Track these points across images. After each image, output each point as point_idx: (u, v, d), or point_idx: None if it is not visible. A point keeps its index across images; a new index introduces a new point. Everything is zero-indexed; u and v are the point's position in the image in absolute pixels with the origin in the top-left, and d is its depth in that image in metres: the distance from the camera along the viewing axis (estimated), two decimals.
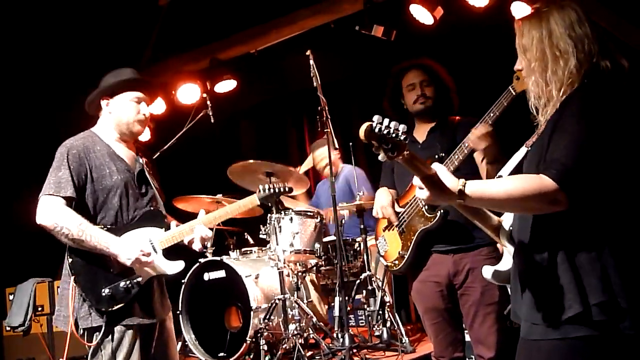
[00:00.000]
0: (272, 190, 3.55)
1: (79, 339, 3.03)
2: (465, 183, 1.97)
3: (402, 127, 1.85)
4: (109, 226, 3.12)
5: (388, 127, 1.84)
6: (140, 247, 3.08)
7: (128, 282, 3.06)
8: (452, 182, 1.98)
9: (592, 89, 1.99)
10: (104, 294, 3.01)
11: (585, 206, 1.94)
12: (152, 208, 3.31)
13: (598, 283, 1.89)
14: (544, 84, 2.09)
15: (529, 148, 2.20)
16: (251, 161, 5.23)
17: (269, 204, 4.19)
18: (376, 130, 1.83)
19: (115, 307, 3.02)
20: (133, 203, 3.23)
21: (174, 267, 3.25)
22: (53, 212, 3.00)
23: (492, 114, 3.11)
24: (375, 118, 1.84)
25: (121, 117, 3.28)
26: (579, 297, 1.89)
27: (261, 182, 3.77)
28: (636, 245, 1.94)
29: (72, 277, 3.04)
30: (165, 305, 3.36)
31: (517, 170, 2.27)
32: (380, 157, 1.89)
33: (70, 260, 3.06)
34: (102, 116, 3.34)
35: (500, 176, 2.32)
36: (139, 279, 3.11)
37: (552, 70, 2.07)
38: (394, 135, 1.84)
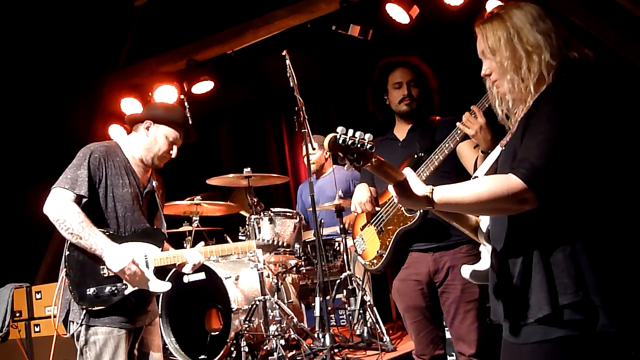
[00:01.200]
0: (271, 242, 3.90)
1: (54, 327, 3.17)
2: (432, 190, 1.98)
3: (367, 137, 1.86)
4: (110, 232, 3.23)
5: (353, 137, 1.85)
6: (133, 256, 3.18)
7: (114, 288, 3.15)
8: (420, 189, 1.99)
9: (563, 86, 1.98)
10: (88, 293, 3.11)
11: (558, 205, 1.94)
12: (154, 227, 3.47)
13: (571, 282, 1.89)
14: (520, 80, 2.08)
15: (503, 148, 2.19)
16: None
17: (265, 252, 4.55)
18: (340, 141, 1.84)
19: (96, 308, 3.12)
20: (137, 217, 3.36)
21: (160, 286, 3.33)
22: (60, 205, 3.10)
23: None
24: (339, 129, 1.85)
25: (154, 146, 3.46)
26: (548, 298, 1.89)
27: None
28: (610, 242, 1.94)
29: (64, 270, 3.14)
30: (153, 310, 3.48)
31: (493, 171, 2.26)
32: (345, 168, 1.90)
33: (67, 253, 3.16)
34: (136, 133, 3.50)
35: (476, 177, 2.31)
36: (126, 287, 3.20)
37: (527, 67, 2.06)
38: (359, 145, 1.85)
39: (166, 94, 6.66)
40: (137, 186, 3.41)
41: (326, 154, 6.22)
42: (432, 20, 5.82)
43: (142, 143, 3.46)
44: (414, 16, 5.60)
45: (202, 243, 3.62)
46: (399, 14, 5.62)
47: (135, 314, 3.27)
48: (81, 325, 3.12)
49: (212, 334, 5.14)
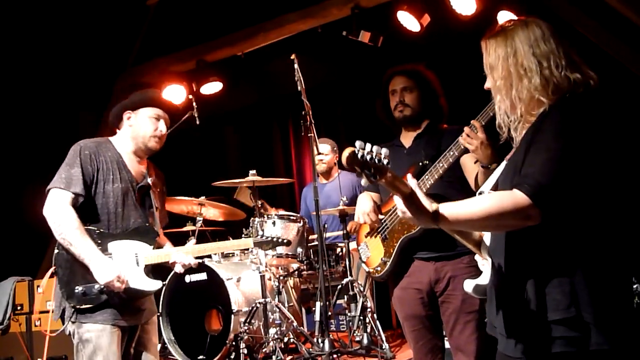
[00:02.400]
0: (269, 239, 3.81)
1: (43, 333, 3.21)
2: (438, 207, 1.97)
3: (384, 152, 1.86)
4: (101, 230, 3.22)
5: (370, 152, 1.84)
6: (120, 272, 3.12)
7: (102, 287, 3.11)
8: (427, 206, 1.98)
9: (569, 105, 1.97)
10: (76, 291, 3.09)
11: (558, 222, 1.93)
12: (146, 224, 3.39)
13: (563, 299, 1.88)
14: (509, 103, 2.10)
15: (507, 162, 2.19)
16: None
17: (263, 250, 4.48)
18: (359, 156, 1.83)
19: (84, 306, 3.11)
20: (128, 214, 3.34)
21: (151, 285, 3.31)
22: (59, 208, 3.11)
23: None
24: (358, 144, 1.84)
25: (139, 131, 3.42)
26: (538, 314, 1.89)
27: None
28: (607, 261, 1.93)
29: (52, 268, 3.16)
30: (149, 309, 3.44)
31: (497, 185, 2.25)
32: (362, 182, 1.90)
33: (56, 251, 3.17)
34: (122, 128, 3.49)
35: (481, 192, 2.30)
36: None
37: (517, 89, 2.07)
38: (376, 160, 1.85)
39: (175, 93, 6.68)
40: (129, 181, 3.38)
41: (336, 158, 6.22)
42: (443, 29, 5.82)
43: (129, 134, 3.44)
44: (425, 25, 5.61)
45: (193, 241, 3.60)
46: (410, 22, 5.62)
47: (128, 311, 3.24)
48: (73, 322, 3.13)
49: (212, 334, 5.14)
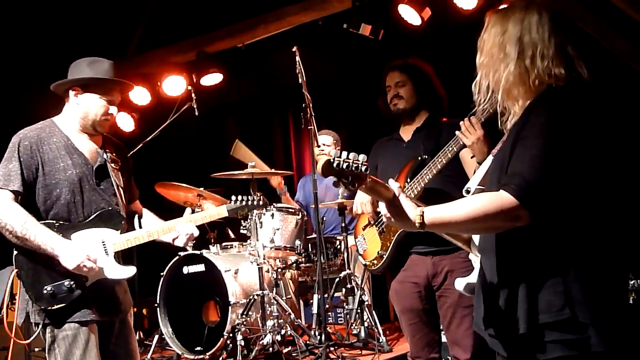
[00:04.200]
0: (244, 203, 3.56)
1: (7, 332, 3.07)
2: (423, 212, 1.93)
3: (361, 158, 1.84)
4: (60, 222, 3.00)
5: (347, 160, 1.83)
6: (87, 252, 2.94)
7: (72, 282, 2.94)
8: (411, 211, 1.94)
9: (554, 99, 1.90)
10: (45, 292, 2.91)
11: (548, 220, 1.86)
12: (109, 207, 3.15)
13: (556, 300, 1.82)
14: (487, 83, 2.05)
15: (494, 157, 2.14)
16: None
17: (240, 217, 4.02)
18: (334, 165, 1.82)
19: (55, 307, 2.92)
20: (89, 200, 3.09)
21: (124, 272, 3.12)
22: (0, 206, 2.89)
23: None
24: (332, 152, 1.83)
25: (88, 113, 3.14)
26: (527, 316, 1.84)
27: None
28: (602, 259, 1.87)
29: (15, 271, 2.96)
30: (125, 301, 3.24)
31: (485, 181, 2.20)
32: (340, 191, 1.89)
33: (15, 253, 2.97)
34: (67, 105, 3.20)
35: (468, 189, 2.25)
36: (86, 280, 2.99)
37: (495, 70, 2.02)
38: (353, 167, 1.83)
39: (175, 84, 6.67)
40: (84, 164, 3.10)
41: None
42: (444, 23, 5.81)
43: (77, 113, 3.15)
44: (426, 18, 5.59)
45: (189, 210, 3.40)
46: (411, 16, 5.60)
47: (103, 305, 3.05)
48: (44, 326, 2.93)
49: (209, 326, 5.15)
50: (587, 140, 1.86)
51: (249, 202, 3.60)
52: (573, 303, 1.81)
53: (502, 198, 1.82)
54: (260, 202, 3.66)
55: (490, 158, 2.19)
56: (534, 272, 1.87)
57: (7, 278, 5.88)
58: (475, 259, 2.31)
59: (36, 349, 4.47)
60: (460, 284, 2.38)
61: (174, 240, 3.30)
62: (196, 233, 3.31)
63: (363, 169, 1.83)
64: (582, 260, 1.85)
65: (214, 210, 3.54)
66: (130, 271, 3.14)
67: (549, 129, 1.85)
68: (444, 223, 1.94)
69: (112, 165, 3.22)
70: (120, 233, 3.15)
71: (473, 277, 2.33)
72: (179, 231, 3.27)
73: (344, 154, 1.84)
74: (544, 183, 1.81)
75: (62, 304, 2.92)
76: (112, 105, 3.18)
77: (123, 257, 3.18)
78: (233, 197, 3.57)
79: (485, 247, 2.07)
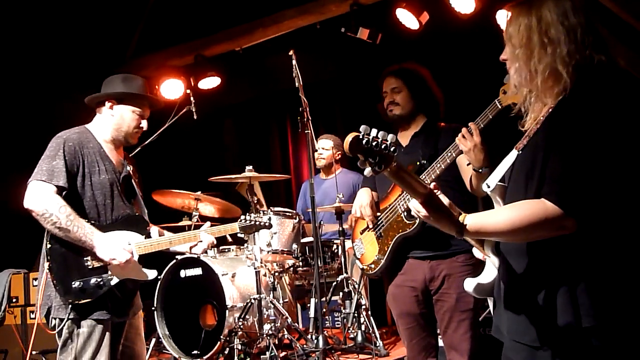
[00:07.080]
0: (253, 222, 3.84)
1: (42, 327, 3.12)
2: (465, 217, 1.86)
3: (390, 137, 1.72)
4: (92, 222, 3.13)
5: (376, 137, 1.69)
6: (123, 245, 3.12)
7: (100, 279, 3.08)
8: (452, 214, 1.87)
9: (590, 93, 1.81)
10: (74, 286, 3.03)
11: (591, 224, 1.77)
12: (136, 214, 3.37)
13: (595, 304, 1.75)
14: (527, 72, 1.95)
15: (520, 152, 2.02)
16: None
17: (247, 235, 4.43)
18: (363, 142, 1.67)
19: (83, 301, 3.04)
20: (117, 205, 3.28)
21: (147, 274, 3.31)
22: (45, 198, 3.02)
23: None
24: (362, 128, 1.69)
25: (122, 125, 3.37)
26: (574, 322, 1.76)
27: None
28: (633, 264, 1.79)
29: (47, 264, 3.05)
30: (136, 304, 3.42)
31: (508, 176, 2.08)
32: (366, 172, 1.73)
33: (49, 246, 3.06)
34: (101, 115, 3.41)
35: (488, 185, 2.10)
36: (112, 278, 3.13)
37: (538, 58, 1.92)
38: (382, 147, 1.69)
39: (173, 87, 6.67)
40: (114, 172, 3.32)
41: (337, 155, 6.15)
42: (441, 27, 5.82)
43: (110, 124, 3.37)
44: (424, 22, 5.60)
45: (209, 224, 3.64)
46: (408, 20, 5.62)
47: (121, 306, 3.21)
48: (67, 320, 3.03)
49: (206, 329, 5.14)
50: (625, 140, 1.78)
51: (258, 223, 3.86)
52: (611, 308, 1.75)
53: (547, 208, 1.76)
54: (268, 223, 3.94)
55: (514, 153, 2.08)
56: (571, 276, 1.80)
57: (5, 281, 5.92)
58: (488, 260, 2.20)
59: (34, 352, 4.46)
60: (469, 284, 2.26)
61: (191, 248, 3.54)
62: (215, 242, 3.61)
63: (392, 149, 1.71)
64: (621, 265, 1.78)
65: (228, 225, 3.82)
66: (153, 274, 3.33)
67: (586, 128, 1.76)
68: (485, 231, 1.89)
69: (133, 176, 3.47)
70: (145, 237, 3.33)
71: (483, 278, 2.22)
72: (202, 240, 3.52)
73: (374, 131, 1.70)
74: (588, 189, 1.74)
75: (89, 299, 3.06)
76: (143, 119, 3.43)
77: None
78: (242, 217, 3.86)
79: (512, 249, 1.98)
